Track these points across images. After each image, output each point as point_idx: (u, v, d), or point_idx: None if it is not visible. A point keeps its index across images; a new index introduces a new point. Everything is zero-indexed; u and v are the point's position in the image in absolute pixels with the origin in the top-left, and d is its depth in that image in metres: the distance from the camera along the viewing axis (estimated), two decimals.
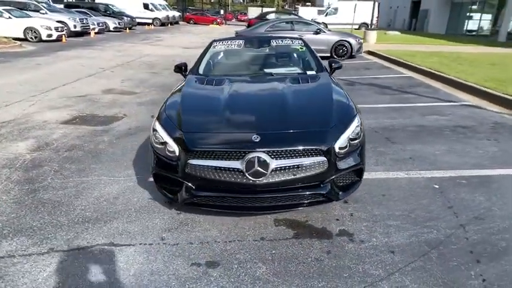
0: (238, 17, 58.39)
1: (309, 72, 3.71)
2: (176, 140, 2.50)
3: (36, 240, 2.42)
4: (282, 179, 2.36)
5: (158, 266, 2.18)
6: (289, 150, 2.34)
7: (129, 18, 24.45)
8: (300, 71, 3.79)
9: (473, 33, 25.50)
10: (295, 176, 2.37)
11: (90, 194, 3.06)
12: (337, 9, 31.61)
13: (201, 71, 3.86)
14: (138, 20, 26.46)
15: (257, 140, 2.34)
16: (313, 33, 11.35)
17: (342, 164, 2.48)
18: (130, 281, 2.05)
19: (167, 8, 33.72)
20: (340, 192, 2.56)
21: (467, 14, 26.41)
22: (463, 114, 5.31)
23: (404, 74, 8.98)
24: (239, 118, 2.67)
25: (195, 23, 37.72)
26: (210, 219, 2.66)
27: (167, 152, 2.55)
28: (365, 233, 2.48)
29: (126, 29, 23.20)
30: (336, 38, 11.46)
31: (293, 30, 11.41)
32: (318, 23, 13.83)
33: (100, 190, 3.13)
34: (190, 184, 2.47)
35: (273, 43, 4.19)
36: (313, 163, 2.37)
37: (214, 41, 4.28)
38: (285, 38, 4.25)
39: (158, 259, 2.24)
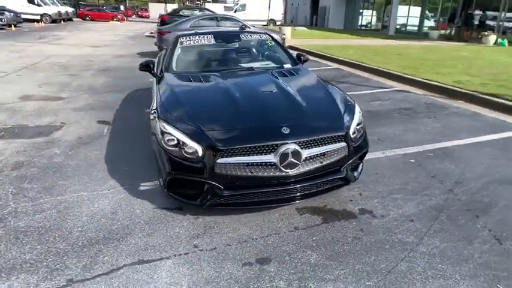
0: (139, 13, 55.32)
1: (285, 66, 3.85)
2: (197, 140, 2.38)
3: (44, 275, 2.06)
4: (311, 167, 2.45)
5: (209, 273, 2.07)
6: (316, 139, 2.45)
7: (12, 14, 21.12)
8: (277, 65, 3.89)
9: (367, 27, 29.12)
10: (321, 164, 2.49)
11: (78, 213, 2.69)
12: (245, 5, 32.47)
13: (176, 68, 3.67)
14: (23, 16, 23.03)
15: (287, 132, 2.38)
16: (239, 29, 11.53)
17: (357, 148, 2.69)
18: None
19: (57, 3, 30.03)
20: (355, 174, 2.78)
21: (360, 10, 29.94)
22: (399, 98, 6.13)
23: (332, 66, 9.83)
24: (256, 112, 2.65)
25: (92, 20, 34.51)
26: (235, 219, 2.60)
27: (185, 154, 2.41)
28: (380, 209, 2.74)
29: (11, 26, 20.03)
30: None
31: (219, 26, 11.42)
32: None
33: (88, 207, 2.77)
34: (217, 184, 2.39)
35: (243, 38, 4.21)
36: (336, 149, 2.52)
37: (180, 36, 4.09)
38: (253, 32, 4.30)
39: (205, 267, 2.13)
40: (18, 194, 2.97)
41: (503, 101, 5.26)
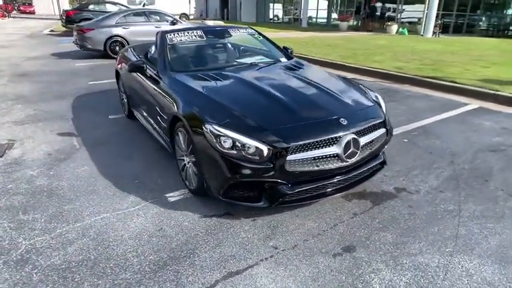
0: (21, 8, 48.29)
1: (282, 59, 3.91)
2: (262, 139, 2.33)
3: None
4: (364, 155, 2.61)
5: (308, 270, 2.08)
6: (368, 127, 2.62)
7: None
8: (272, 59, 3.91)
9: (279, 20, 30.54)
10: (371, 150, 2.67)
11: (117, 237, 2.40)
12: None
13: (178, 67, 3.44)
14: None
15: (345, 123, 2.49)
16: (171, 24, 11.06)
17: (390, 132, 2.94)
18: None
19: None
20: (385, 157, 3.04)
21: (271, 3, 31.20)
22: None
23: None
24: (306, 107, 2.67)
25: None
26: (292, 215, 2.62)
27: (247, 155, 2.33)
28: (411, 185, 3.05)
29: None
30: None
31: (148, 21, 10.79)
32: None
33: (125, 229, 2.49)
34: (284, 182, 2.38)
35: (232, 33, 4.12)
36: (380, 135, 2.73)
37: (166, 33, 3.82)
38: (238, 28, 4.24)
39: (299, 265, 2.13)
40: (22, 228, 2.51)
41: (444, 83, 6.18)
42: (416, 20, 18.86)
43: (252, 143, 2.33)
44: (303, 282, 2.00)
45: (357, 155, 2.50)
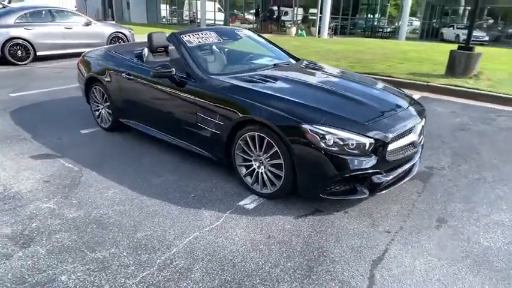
0: None
1: (291, 60, 4.04)
2: (362, 133, 2.49)
3: None
4: (422, 142, 3.01)
5: (431, 243, 2.36)
6: (424, 116, 3.02)
7: None
8: (286, 59, 3.99)
9: (173, 22, 29.81)
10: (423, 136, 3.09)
11: (233, 254, 2.26)
12: None
13: (211, 70, 3.27)
14: None
15: (415, 113, 2.83)
16: (84, 25, 9.85)
17: None
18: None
19: None
20: None
21: (162, 4, 30.24)
22: None
23: None
24: (370, 100, 2.89)
25: None
26: (375, 202, 2.84)
27: (349, 150, 2.47)
28: (433, 163, 3.60)
29: None
30: (110, 29, 10.52)
31: (54, 21, 9.38)
32: None
33: (232, 244, 2.35)
34: (381, 171, 2.58)
35: (240, 33, 4.04)
36: (424, 125, 3.16)
37: (180, 34, 3.54)
38: (236, 28, 4.19)
39: (421, 242, 2.38)
40: (109, 268, 2.12)
41: (387, 78, 7.15)
42: (310, 22, 20.93)
43: (354, 137, 2.46)
44: (437, 254, 2.26)
45: (422, 140, 2.88)
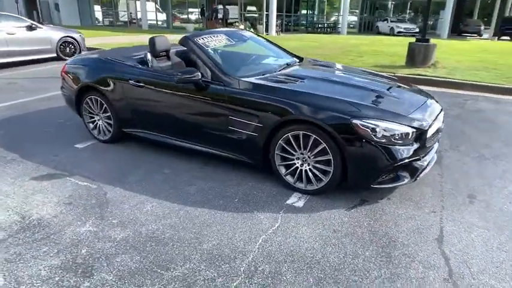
0: None
1: (295, 58, 4.12)
2: (404, 124, 2.67)
3: None
4: None
5: (477, 216, 2.62)
6: None
7: None
8: (293, 58, 4.06)
9: (111, 24, 28.15)
10: None
11: (310, 251, 2.29)
12: None
13: (239, 72, 3.22)
14: None
15: (435, 103, 3.09)
16: (27, 29, 8.94)
17: None
18: None
19: None
20: None
21: (96, 5, 28.41)
22: None
23: None
24: (395, 95, 3.10)
25: None
26: (405, 186, 3.04)
27: (396, 140, 2.62)
28: (439, 148, 3.94)
29: None
30: (59, 33, 9.67)
31: None
32: None
33: (303, 241, 2.38)
34: (420, 157, 2.79)
35: (244, 34, 4.00)
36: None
37: (195, 37, 3.42)
38: (238, 30, 4.15)
39: (482, 213, 2.64)
40: (194, 284, 2.04)
41: None
42: (257, 20, 21.18)
43: (399, 128, 2.63)
44: (484, 226, 2.53)
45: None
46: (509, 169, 3.42)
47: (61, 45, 9.73)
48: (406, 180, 2.77)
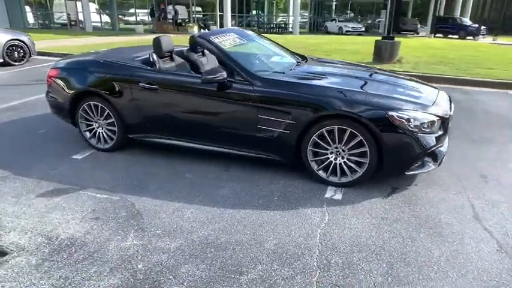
0: None
1: (301, 59, 4.15)
2: (433, 113, 2.87)
3: None
4: None
5: (499, 195, 2.90)
6: None
7: None
8: (296, 59, 4.09)
9: (48, 26, 26.08)
10: None
11: (363, 243, 2.38)
12: None
13: (257, 70, 3.21)
14: None
15: (446, 95, 3.36)
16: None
17: None
18: None
19: None
20: None
21: (26, 6, 26.15)
22: None
23: None
24: (410, 87, 3.33)
25: None
26: (429, 173, 3.27)
27: (426, 128, 2.81)
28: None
29: None
30: (6, 36, 8.76)
31: None
32: None
33: (360, 230, 2.46)
34: (442, 144, 3.01)
35: (252, 35, 3.99)
36: None
37: (209, 36, 3.33)
38: (243, 30, 4.12)
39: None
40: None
41: None
42: (211, 21, 20.98)
43: (428, 117, 2.82)
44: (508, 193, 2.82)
45: None
46: (502, 150, 3.83)
47: (8, 49, 8.84)
48: (432, 166, 2.97)
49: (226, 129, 3.24)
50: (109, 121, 3.66)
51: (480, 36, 21.75)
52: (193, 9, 20.82)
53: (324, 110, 2.85)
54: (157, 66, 3.55)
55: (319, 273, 2.09)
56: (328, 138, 2.92)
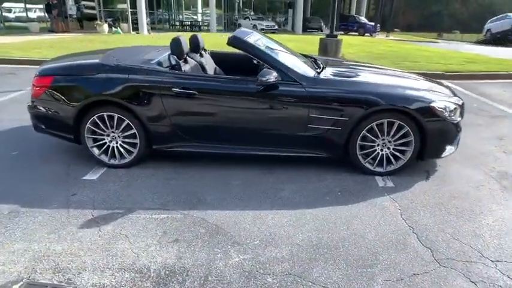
0: None
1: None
2: (456, 103, 3.34)
3: None
4: None
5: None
6: None
7: None
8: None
9: None
10: None
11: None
12: None
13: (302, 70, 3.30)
14: None
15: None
16: None
17: None
18: None
19: None
20: None
21: None
22: None
23: None
24: (428, 81, 3.79)
25: None
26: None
27: (454, 115, 3.26)
28: None
29: None
30: None
31: None
32: None
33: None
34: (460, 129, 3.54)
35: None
36: None
37: (243, 35, 3.28)
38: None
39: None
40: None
41: None
42: (120, 18, 19.48)
43: (455, 106, 3.29)
44: None
45: None
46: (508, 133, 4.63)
47: None
48: (454, 149, 3.48)
49: (272, 131, 3.25)
50: (128, 133, 3.29)
51: (377, 33, 24.88)
52: (99, 5, 18.94)
53: (375, 105, 3.10)
54: (182, 69, 3.33)
55: (431, 252, 2.33)
56: (377, 131, 3.17)
